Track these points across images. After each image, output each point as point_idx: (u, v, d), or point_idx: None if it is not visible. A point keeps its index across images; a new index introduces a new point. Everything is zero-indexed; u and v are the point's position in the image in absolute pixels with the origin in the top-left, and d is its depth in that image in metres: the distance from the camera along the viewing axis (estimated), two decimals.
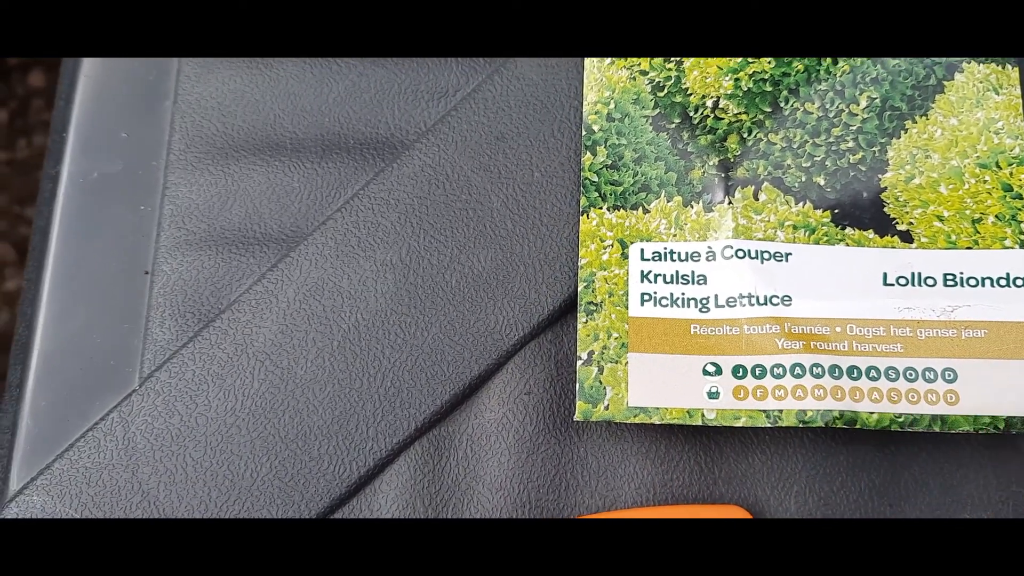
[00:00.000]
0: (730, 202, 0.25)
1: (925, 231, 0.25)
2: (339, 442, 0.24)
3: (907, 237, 0.25)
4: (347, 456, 0.24)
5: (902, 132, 0.26)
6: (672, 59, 0.26)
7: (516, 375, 0.25)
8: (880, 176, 0.25)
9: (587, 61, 0.27)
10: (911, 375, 0.23)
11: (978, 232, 0.25)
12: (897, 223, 0.25)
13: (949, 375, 0.23)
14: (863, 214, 0.25)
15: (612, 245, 0.25)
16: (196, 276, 0.26)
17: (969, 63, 0.26)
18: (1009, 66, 0.26)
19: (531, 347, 0.25)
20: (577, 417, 0.23)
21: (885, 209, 0.25)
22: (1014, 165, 0.25)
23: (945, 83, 0.26)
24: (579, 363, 0.24)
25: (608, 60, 0.26)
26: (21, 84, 0.98)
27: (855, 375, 0.23)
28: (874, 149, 0.25)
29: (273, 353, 0.25)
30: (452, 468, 0.24)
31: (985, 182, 0.25)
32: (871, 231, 0.25)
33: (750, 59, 0.26)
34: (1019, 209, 0.25)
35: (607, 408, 0.23)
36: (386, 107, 0.27)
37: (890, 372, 0.23)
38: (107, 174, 0.27)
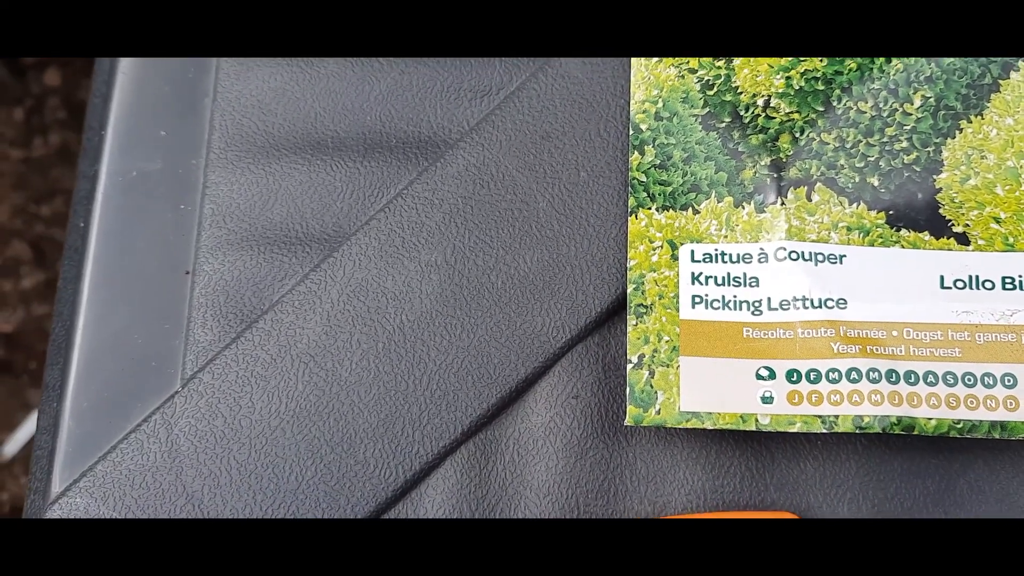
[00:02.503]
0: (783, 203, 0.24)
1: (982, 233, 0.24)
2: (385, 445, 0.24)
3: (963, 239, 0.24)
4: (393, 460, 0.24)
5: (957, 132, 0.25)
6: (722, 57, 0.26)
7: (564, 378, 0.24)
8: (935, 177, 0.25)
9: (634, 60, 0.26)
10: (970, 380, 0.22)
11: None
12: (953, 225, 0.24)
13: (1009, 380, 0.22)
14: (918, 215, 0.24)
15: (662, 246, 0.24)
16: (238, 276, 0.26)
17: None
18: None
19: (579, 350, 0.24)
20: (628, 422, 0.23)
21: (940, 211, 0.24)
22: None
23: (1000, 82, 0.26)
24: (629, 367, 0.23)
25: (656, 59, 0.26)
26: (37, 82, 0.99)
27: (913, 380, 0.22)
28: (928, 149, 0.25)
29: (317, 355, 0.24)
30: (499, 472, 0.24)
31: None
32: (927, 233, 0.24)
33: (801, 57, 0.25)
34: None
35: (659, 413, 0.23)
36: (428, 106, 0.27)
37: (948, 377, 0.22)
38: (146, 172, 0.27)
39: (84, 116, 0.30)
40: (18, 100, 0.96)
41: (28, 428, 0.87)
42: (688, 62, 0.26)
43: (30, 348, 0.90)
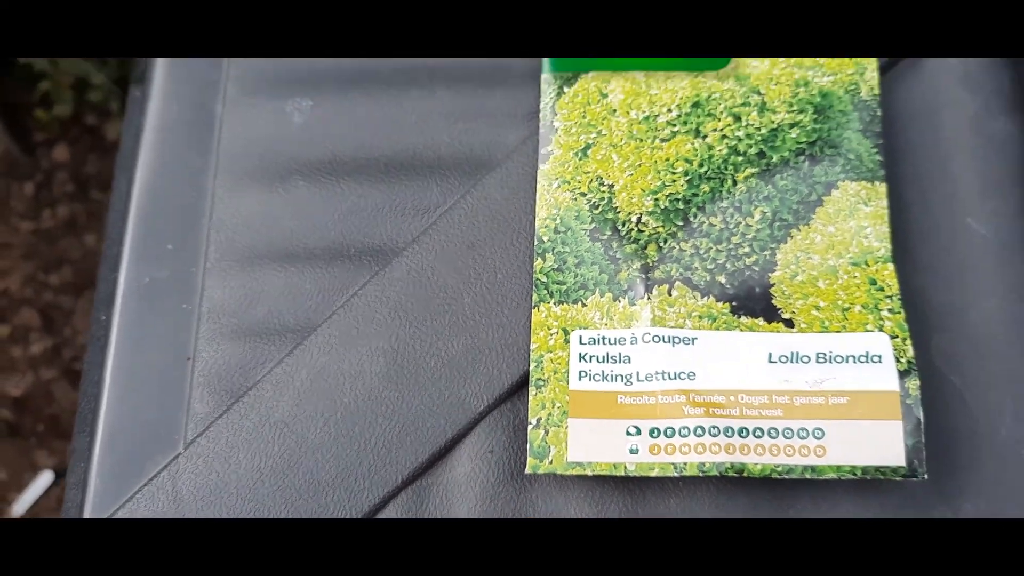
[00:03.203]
0: (649, 297, 0.31)
1: (804, 319, 0.31)
2: (342, 493, 0.30)
3: (790, 323, 0.31)
4: (348, 504, 0.30)
5: (788, 238, 0.32)
6: (605, 184, 0.33)
7: (482, 437, 0.31)
8: (770, 274, 0.32)
9: (539, 185, 0.33)
10: (788, 434, 0.29)
11: (846, 318, 0.31)
12: (782, 312, 0.31)
13: (818, 433, 0.29)
14: (755, 305, 0.31)
15: (557, 333, 0.31)
16: (228, 361, 0.33)
17: (844, 182, 0.33)
18: (877, 183, 0.33)
19: (494, 414, 0.31)
20: (528, 470, 0.29)
21: (773, 301, 0.31)
22: (879, 263, 0.32)
23: (824, 198, 0.33)
24: (530, 427, 0.30)
25: (555, 183, 0.33)
26: (46, 158, 1.07)
27: (744, 434, 0.29)
28: (765, 253, 0.32)
29: (290, 422, 0.31)
30: (431, 512, 0.30)
31: (855, 277, 0.32)
32: (761, 319, 0.31)
33: (667, 183, 0.33)
34: (881, 299, 0.31)
35: (551, 463, 0.29)
36: (380, 222, 0.34)
37: (771, 431, 0.29)
38: (156, 279, 0.34)
39: (89, 189, 0.37)
40: (28, 175, 1.04)
41: (36, 488, 0.92)
42: (580, 187, 0.33)
43: (38, 411, 0.95)
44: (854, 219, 0.33)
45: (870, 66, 0.35)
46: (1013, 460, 0.31)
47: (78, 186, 1.02)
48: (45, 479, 0.91)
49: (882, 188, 0.33)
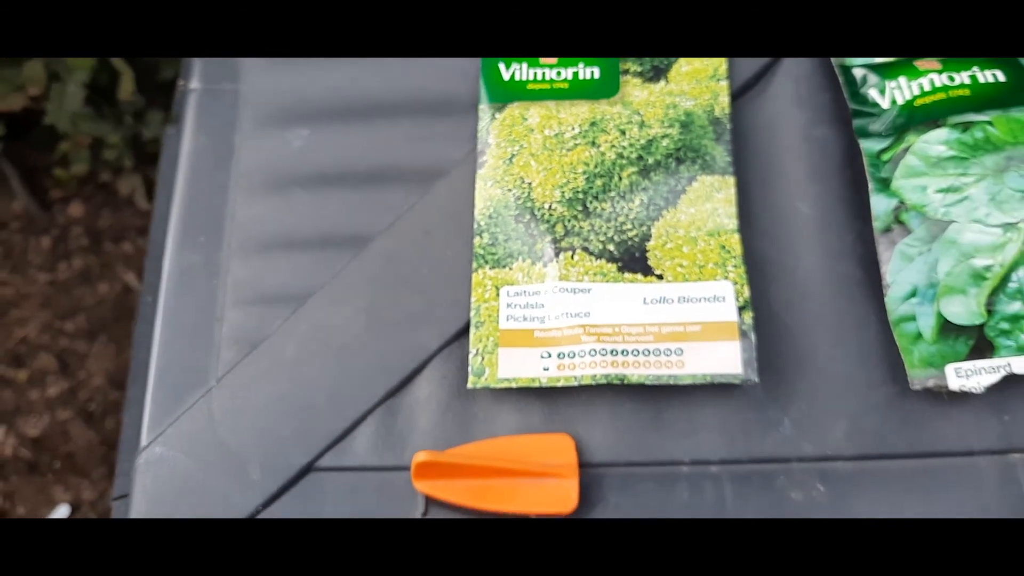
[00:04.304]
0: (557, 261, 0.43)
1: (672, 274, 0.42)
2: (332, 411, 0.41)
3: (660, 277, 0.42)
4: (337, 419, 0.41)
5: (661, 217, 0.44)
6: (526, 182, 0.44)
7: (437, 367, 0.42)
8: (647, 243, 0.43)
9: (477, 185, 0.45)
10: (657, 353, 0.40)
11: (702, 273, 0.42)
12: (655, 269, 0.42)
13: (679, 352, 0.40)
14: (636, 265, 0.43)
15: (491, 289, 0.42)
16: (247, 321, 0.44)
17: (702, 176, 0.45)
18: (728, 176, 0.45)
19: (445, 351, 0.42)
20: (469, 386, 0.40)
21: (649, 262, 0.43)
22: (728, 234, 0.43)
23: (687, 188, 0.44)
24: (471, 355, 0.41)
25: (490, 183, 0.45)
26: (62, 214, 1.16)
27: (625, 354, 0.40)
28: (643, 228, 0.43)
29: (293, 362, 0.42)
30: (401, 423, 0.41)
31: (710, 244, 0.43)
32: (639, 274, 0.42)
33: (571, 180, 0.44)
34: (728, 259, 0.42)
35: (486, 380, 0.40)
36: (359, 218, 0.46)
37: (645, 351, 0.40)
38: (193, 263, 0.45)
39: (103, 242, 0.48)
40: (45, 230, 1.13)
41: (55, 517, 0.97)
42: (508, 185, 0.45)
43: (55, 450, 1.03)
44: (710, 203, 0.44)
45: (722, 92, 0.47)
46: (827, 374, 0.41)
47: (92, 239, 1.10)
48: (62, 511, 0.98)
49: (731, 180, 0.45)
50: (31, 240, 1.11)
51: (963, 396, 0.41)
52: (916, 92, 0.45)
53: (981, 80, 0.45)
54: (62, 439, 1.02)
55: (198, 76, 0.51)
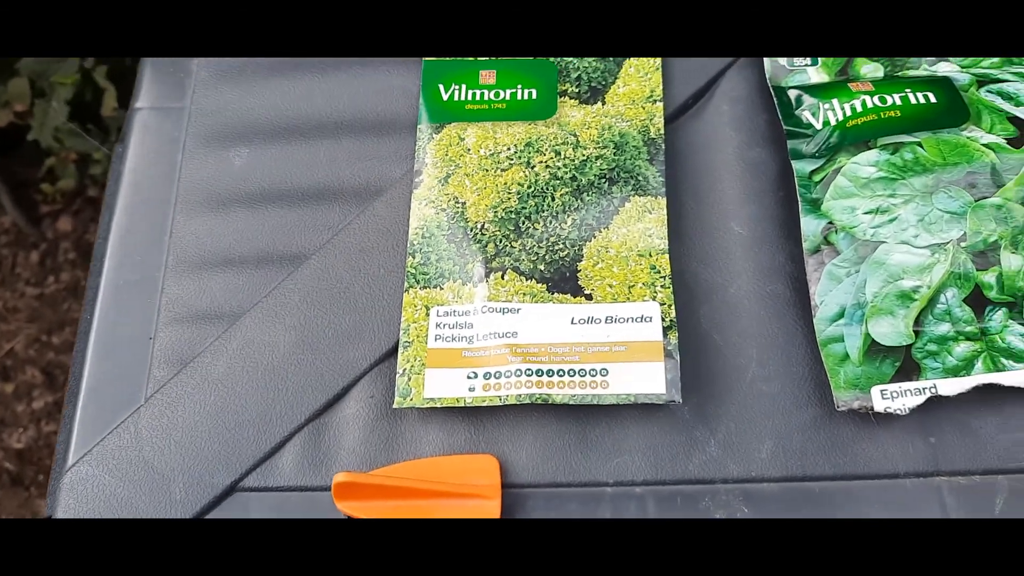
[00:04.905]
0: (487, 281, 0.43)
1: (601, 293, 0.42)
2: (259, 429, 0.41)
3: (589, 297, 0.42)
4: (264, 438, 0.41)
5: (593, 238, 0.44)
6: (460, 202, 0.45)
7: (366, 386, 0.42)
8: (578, 263, 0.43)
9: (413, 204, 0.45)
10: (582, 373, 0.40)
11: (631, 293, 0.42)
12: (585, 289, 0.43)
13: (604, 372, 0.40)
14: (565, 285, 0.43)
15: (421, 309, 0.43)
16: (180, 339, 0.44)
17: (634, 197, 0.45)
18: (660, 197, 0.45)
19: (375, 371, 0.42)
20: (395, 405, 0.40)
21: (579, 282, 0.43)
22: (659, 254, 0.43)
23: (620, 209, 0.45)
24: (398, 376, 0.41)
25: (424, 203, 0.45)
26: (51, 229, 1.16)
27: (550, 374, 0.40)
28: (575, 248, 0.44)
29: (222, 380, 0.42)
30: (327, 441, 0.41)
31: (640, 264, 0.43)
32: (569, 294, 0.42)
33: (504, 200, 0.44)
34: (657, 279, 0.43)
35: (412, 400, 0.40)
36: (296, 235, 0.46)
37: (570, 372, 0.40)
38: (129, 280, 0.46)
39: (91, 256, 0.48)
40: (34, 244, 1.13)
41: None
42: (442, 205, 0.45)
43: (39, 463, 1.02)
44: (641, 223, 0.44)
45: (658, 113, 0.47)
46: (755, 394, 0.41)
47: (80, 254, 1.10)
48: None
49: (663, 201, 0.45)
50: (20, 254, 1.12)
51: (890, 418, 0.41)
52: (849, 113, 0.45)
53: (913, 101, 0.45)
54: (47, 452, 1.02)
55: (145, 95, 0.52)
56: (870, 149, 0.44)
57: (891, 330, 0.41)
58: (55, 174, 1.03)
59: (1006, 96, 0.45)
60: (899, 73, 0.47)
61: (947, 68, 0.47)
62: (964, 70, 0.47)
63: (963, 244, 0.42)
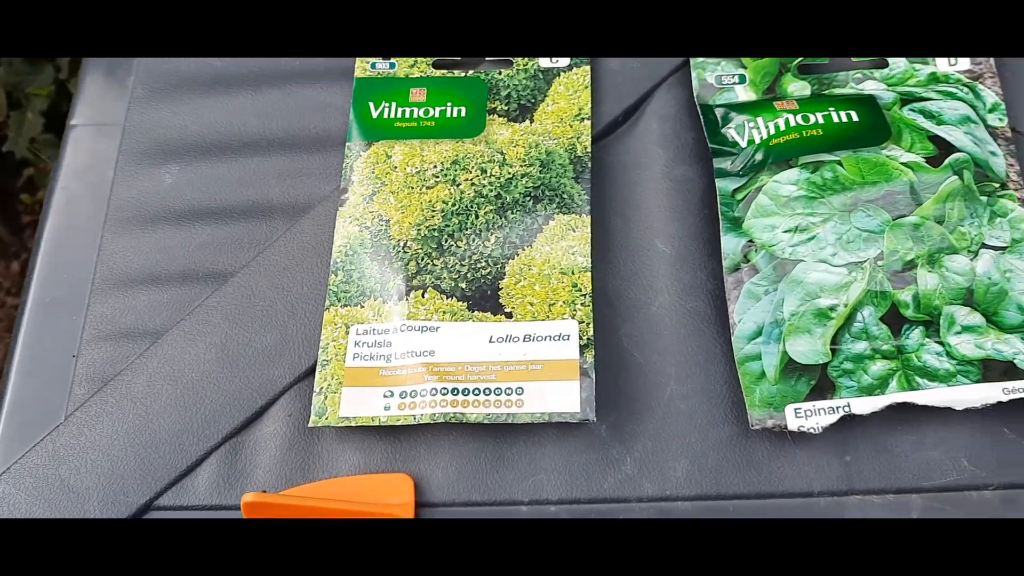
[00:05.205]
0: (407, 300, 0.43)
1: (521, 311, 0.42)
2: (176, 448, 0.41)
3: (509, 315, 0.42)
4: (180, 456, 0.41)
5: (516, 256, 0.44)
6: (384, 219, 0.45)
7: (285, 404, 0.42)
8: (500, 281, 0.43)
9: (337, 222, 0.45)
10: (497, 392, 0.40)
11: (551, 311, 0.42)
12: (505, 307, 0.43)
13: (519, 391, 0.40)
14: (486, 303, 0.43)
15: (341, 327, 0.43)
16: (103, 356, 0.44)
17: (559, 215, 0.45)
18: (584, 215, 0.45)
19: (294, 388, 0.42)
20: (310, 424, 0.40)
21: (500, 300, 0.43)
22: (581, 272, 0.43)
23: (544, 227, 0.45)
24: (315, 394, 0.41)
25: (349, 221, 0.45)
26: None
27: (466, 393, 0.40)
28: (497, 266, 0.44)
29: (142, 398, 0.42)
30: (244, 460, 0.41)
31: (562, 282, 0.43)
32: (489, 312, 0.42)
33: (428, 218, 0.44)
34: (577, 297, 0.43)
35: (327, 419, 0.40)
36: (222, 253, 0.46)
37: (486, 390, 0.40)
38: (56, 297, 0.46)
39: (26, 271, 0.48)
40: (15, 254, 1.13)
41: None
42: (366, 222, 0.45)
43: None
44: (565, 241, 0.44)
45: (585, 132, 0.47)
46: (673, 411, 0.41)
47: None
48: None
49: (587, 219, 0.45)
50: (1, 264, 1.12)
51: (807, 436, 0.41)
52: (772, 132, 0.45)
53: (836, 120, 0.45)
54: None
55: (80, 112, 0.52)
56: (791, 168, 0.44)
57: (808, 348, 0.41)
58: (34, 184, 1.04)
59: (928, 115, 0.45)
60: (826, 91, 0.47)
61: (873, 86, 0.47)
62: (890, 88, 0.47)
63: (880, 263, 0.42)
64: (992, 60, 0.48)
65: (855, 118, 0.45)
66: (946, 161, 0.43)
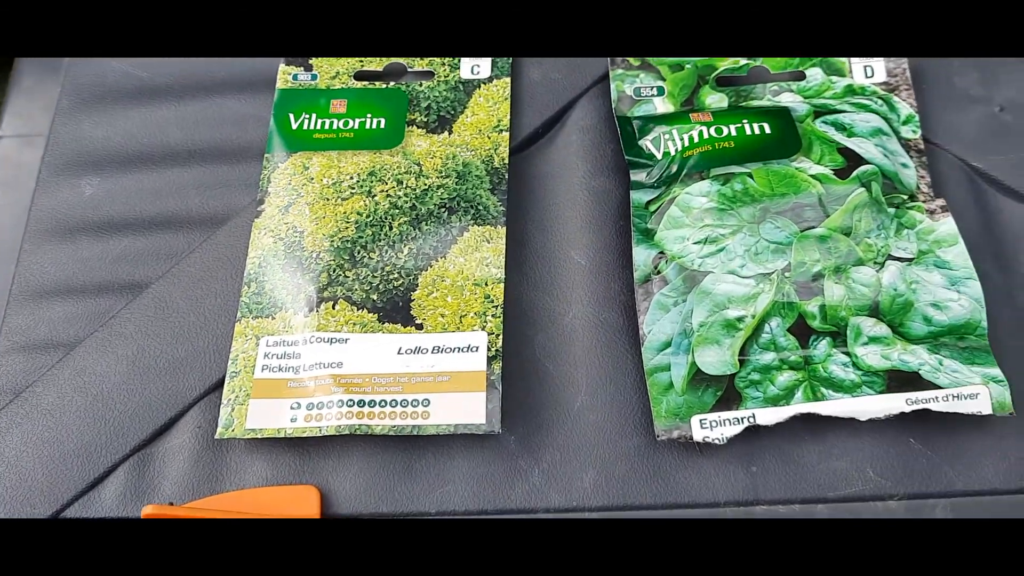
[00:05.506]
0: (318, 311, 0.43)
1: (432, 323, 0.42)
2: (84, 460, 0.41)
3: (420, 327, 0.42)
4: (88, 468, 0.41)
5: (429, 267, 0.44)
6: (298, 231, 0.45)
7: (195, 416, 0.42)
8: (412, 293, 0.43)
9: (252, 233, 0.45)
10: (404, 404, 0.40)
11: (462, 322, 0.42)
12: (416, 319, 0.43)
13: (426, 402, 0.40)
14: (397, 315, 0.43)
15: (251, 339, 0.43)
16: (16, 368, 0.44)
17: (473, 226, 0.45)
18: (499, 226, 0.45)
19: (205, 400, 0.42)
20: (217, 436, 0.40)
21: (412, 312, 0.43)
22: (495, 283, 0.43)
23: (458, 238, 0.45)
24: (223, 405, 0.41)
25: (263, 232, 0.45)
26: None
27: (372, 404, 0.40)
28: (410, 277, 0.44)
29: (52, 410, 0.42)
30: (152, 471, 0.41)
31: (475, 293, 0.43)
32: (400, 324, 0.43)
33: (342, 229, 0.44)
34: (489, 308, 0.43)
35: (234, 430, 0.40)
36: (139, 264, 0.46)
37: (392, 402, 0.40)
38: None
39: None
40: None
41: None
42: (280, 234, 0.45)
43: None
44: (479, 252, 0.44)
45: (503, 143, 0.47)
46: (583, 423, 0.42)
47: None
48: None
49: (502, 230, 0.45)
50: None
51: (712, 447, 0.41)
52: (687, 144, 0.46)
53: (748, 132, 0.45)
54: None
55: (7, 124, 0.52)
56: (703, 180, 0.44)
57: (716, 359, 0.41)
58: None
59: (839, 127, 0.45)
60: (743, 103, 0.48)
61: (790, 98, 0.47)
62: (806, 100, 0.47)
63: (788, 274, 0.42)
64: (908, 72, 0.48)
65: (767, 130, 0.45)
66: (854, 173, 0.44)
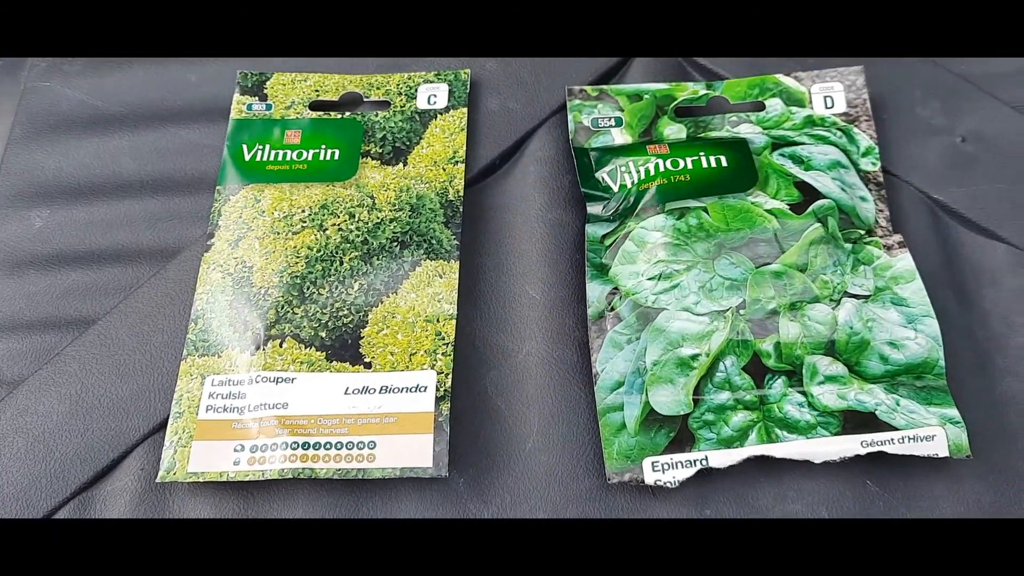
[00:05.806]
0: (264, 350, 0.42)
1: (381, 362, 0.42)
2: (24, 501, 0.40)
3: (369, 365, 0.42)
4: (30, 509, 0.40)
5: (380, 304, 0.43)
6: (247, 266, 0.44)
7: (139, 457, 0.41)
8: (362, 330, 0.43)
9: (201, 268, 0.44)
10: (350, 446, 0.39)
11: (411, 360, 0.42)
12: (365, 357, 0.42)
13: (372, 445, 0.39)
14: (346, 352, 0.42)
15: (196, 377, 0.42)
16: None
17: (426, 261, 0.44)
18: (452, 261, 0.44)
19: (148, 441, 0.41)
20: (158, 479, 0.39)
21: (360, 350, 0.42)
22: (446, 319, 0.43)
23: (410, 273, 0.44)
24: (165, 447, 0.40)
25: (212, 267, 0.44)
26: None
27: (317, 447, 0.39)
28: (360, 314, 0.43)
29: (18, 416, 0.41)
30: (94, 514, 0.40)
31: (426, 330, 0.42)
32: (348, 363, 0.42)
33: (291, 264, 0.44)
34: (440, 346, 0.42)
35: (175, 473, 0.39)
36: (87, 299, 0.45)
37: (337, 444, 0.39)
38: None
39: None
40: None
41: None
42: (228, 269, 0.44)
43: None
44: (431, 287, 0.44)
45: (458, 175, 0.47)
46: (534, 465, 0.41)
47: None
48: None
49: (455, 265, 0.44)
50: None
51: (664, 490, 0.40)
52: (643, 176, 0.45)
53: (704, 165, 0.45)
54: None
55: None
56: (658, 214, 0.44)
57: (670, 399, 0.40)
58: None
59: (797, 159, 0.45)
60: (702, 134, 0.47)
61: (748, 129, 0.47)
62: (764, 131, 0.47)
63: (742, 311, 0.41)
64: (868, 103, 0.48)
65: (724, 163, 0.45)
66: (810, 208, 0.43)
